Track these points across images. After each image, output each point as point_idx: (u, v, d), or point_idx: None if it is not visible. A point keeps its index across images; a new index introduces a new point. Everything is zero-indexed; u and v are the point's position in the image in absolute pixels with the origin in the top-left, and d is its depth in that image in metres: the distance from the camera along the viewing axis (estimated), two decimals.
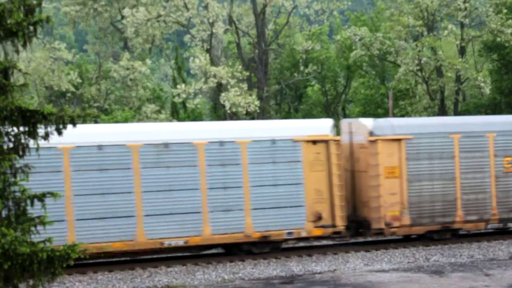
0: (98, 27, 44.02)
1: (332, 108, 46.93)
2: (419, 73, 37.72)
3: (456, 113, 38.65)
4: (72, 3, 40.90)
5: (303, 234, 20.71)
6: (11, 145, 11.67)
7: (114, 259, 21.01)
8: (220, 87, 35.40)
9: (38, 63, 39.25)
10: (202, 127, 21.91)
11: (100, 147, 19.00)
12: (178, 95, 35.24)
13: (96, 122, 35.53)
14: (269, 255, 20.79)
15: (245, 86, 35.34)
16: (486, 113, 37.13)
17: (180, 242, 19.55)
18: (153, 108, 39.76)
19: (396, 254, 20.95)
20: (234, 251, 20.88)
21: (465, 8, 35.77)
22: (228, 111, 34.28)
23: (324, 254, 21.13)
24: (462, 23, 37.05)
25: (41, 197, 11.68)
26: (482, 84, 35.53)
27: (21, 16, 11.34)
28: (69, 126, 11.77)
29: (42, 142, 11.89)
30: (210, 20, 35.50)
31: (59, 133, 11.74)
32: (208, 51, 36.53)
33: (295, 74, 43.45)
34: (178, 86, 35.82)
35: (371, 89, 44.93)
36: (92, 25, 44.78)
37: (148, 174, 19.33)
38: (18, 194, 11.55)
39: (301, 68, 41.95)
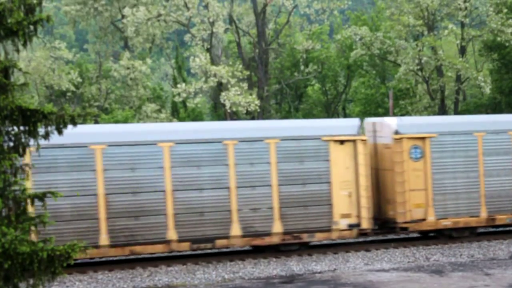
0: (98, 27, 44.01)
1: (332, 107, 46.95)
2: (420, 73, 37.70)
3: (456, 112, 38.66)
4: (73, 3, 40.90)
5: None
6: (11, 144, 11.67)
7: (115, 258, 21.01)
8: (220, 87, 35.40)
9: (38, 63, 39.23)
10: None
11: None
12: (179, 94, 35.23)
13: (96, 121, 35.48)
14: (269, 255, 20.79)
15: (245, 85, 35.34)
16: (487, 113, 37.06)
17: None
18: (153, 108, 39.76)
19: (396, 254, 20.93)
20: None
21: (466, 8, 35.76)
22: (228, 111, 34.28)
23: (324, 254, 21.11)
24: (463, 22, 37.05)
25: (42, 197, 11.67)
26: (482, 84, 35.50)
27: (22, 15, 11.33)
28: None
29: None
30: (211, 20, 35.50)
31: (60, 132, 11.72)
32: (208, 50, 36.54)
33: (296, 74, 43.44)
34: (179, 86, 35.82)
35: (371, 89, 44.92)
36: (92, 24, 44.78)
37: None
38: (18, 193, 11.54)
39: (302, 67, 41.96)
